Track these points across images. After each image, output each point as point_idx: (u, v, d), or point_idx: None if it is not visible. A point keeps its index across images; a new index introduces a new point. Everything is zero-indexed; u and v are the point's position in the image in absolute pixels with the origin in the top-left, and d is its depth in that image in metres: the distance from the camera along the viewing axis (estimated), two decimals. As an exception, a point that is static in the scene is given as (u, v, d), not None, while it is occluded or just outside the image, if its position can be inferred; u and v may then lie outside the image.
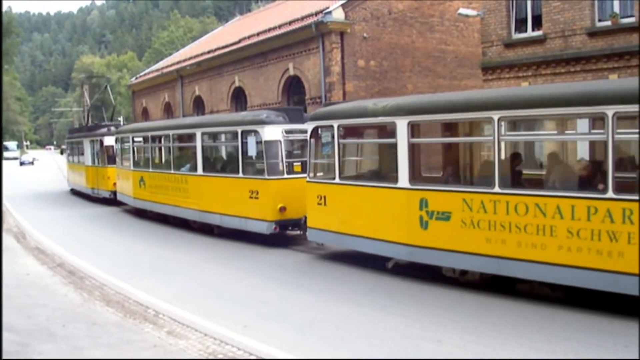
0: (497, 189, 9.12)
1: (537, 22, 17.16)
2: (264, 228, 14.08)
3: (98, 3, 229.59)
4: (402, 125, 10.60)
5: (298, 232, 14.20)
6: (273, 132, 14.12)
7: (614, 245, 7.82)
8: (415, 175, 10.79)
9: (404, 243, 10.54)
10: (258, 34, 26.88)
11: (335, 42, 22.05)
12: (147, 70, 45.81)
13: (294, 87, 25.16)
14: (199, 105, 33.20)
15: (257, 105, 26.26)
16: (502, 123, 9.25)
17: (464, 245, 9.60)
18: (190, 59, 34.50)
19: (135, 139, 21.07)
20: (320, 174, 12.97)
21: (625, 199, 7.76)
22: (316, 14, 22.76)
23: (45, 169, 58.26)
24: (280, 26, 25.25)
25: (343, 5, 22.19)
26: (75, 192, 31.12)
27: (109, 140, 24.72)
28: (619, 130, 7.94)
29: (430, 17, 24.56)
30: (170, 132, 18.39)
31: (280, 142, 14.15)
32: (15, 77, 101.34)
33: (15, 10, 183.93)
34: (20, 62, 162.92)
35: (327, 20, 21.71)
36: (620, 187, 7.92)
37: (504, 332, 7.65)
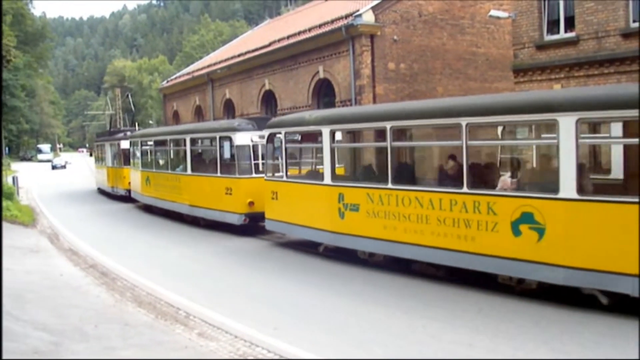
0: (390, 185, 11.08)
1: (570, 24, 16.85)
2: (235, 219, 16.52)
3: (129, 7, 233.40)
4: (325, 132, 12.72)
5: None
6: (243, 138, 16.52)
7: (468, 230, 9.69)
8: (337, 174, 12.99)
9: (328, 230, 12.62)
10: (288, 37, 26.95)
11: (365, 45, 22.03)
12: (178, 74, 46.14)
13: (324, 90, 25.15)
14: (229, 109, 33.39)
15: (287, 108, 26.33)
16: (393, 131, 11.18)
17: (369, 231, 11.59)
18: (220, 62, 34.71)
19: (144, 143, 23.77)
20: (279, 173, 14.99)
21: (475, 193, 9.63)
22: (346, 16, 22.75)
23: (78, 172, 56.92)
24: (310, 29, 25.27)
25: (373, 8, 22.16)
26: (100, 191, 33.67)
27: (125, 144, 27.62)
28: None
29: (460, 19, 24.40)
30: (168, 137, 21.18)
31: (250, 146, 16.49)
32: (49, 80, 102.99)
33: (49, 15, 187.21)
34: (54, 66, 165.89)
35: (357, 23, 21.71)
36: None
37: (536, 336, 7.56)
